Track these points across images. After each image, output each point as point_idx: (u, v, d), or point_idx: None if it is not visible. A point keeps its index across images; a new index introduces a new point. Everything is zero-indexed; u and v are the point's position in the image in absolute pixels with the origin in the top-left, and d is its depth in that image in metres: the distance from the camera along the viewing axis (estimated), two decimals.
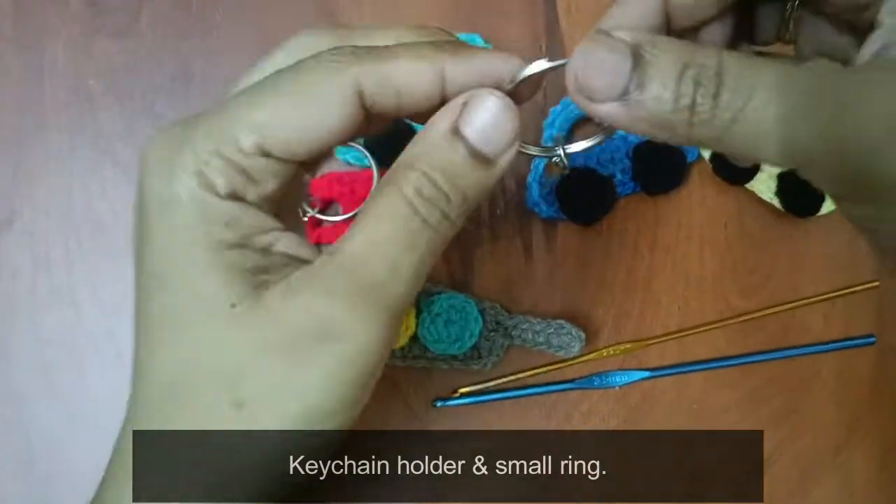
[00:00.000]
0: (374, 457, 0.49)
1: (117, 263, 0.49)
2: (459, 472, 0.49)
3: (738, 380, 0.51)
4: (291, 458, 0.26)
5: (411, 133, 0.35)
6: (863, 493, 0.51)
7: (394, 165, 0.26)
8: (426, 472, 0.49)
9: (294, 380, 0.25)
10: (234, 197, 0.26)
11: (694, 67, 0.23)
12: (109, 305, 0.49)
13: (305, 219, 0.48)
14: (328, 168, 0.50)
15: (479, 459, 0.49)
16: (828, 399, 0.51)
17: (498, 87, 0.27)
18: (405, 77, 0.26)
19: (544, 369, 0.50)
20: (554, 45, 0.52)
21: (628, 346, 0.50)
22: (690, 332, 0.51)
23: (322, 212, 0.49)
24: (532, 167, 0.50)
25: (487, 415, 0.49)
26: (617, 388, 0.50)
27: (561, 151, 0.30)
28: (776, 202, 0.50)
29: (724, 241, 0.52)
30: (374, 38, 0.28)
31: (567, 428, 0.50)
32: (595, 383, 0.50)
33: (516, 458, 0.49)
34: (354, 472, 0.49)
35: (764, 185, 0.50)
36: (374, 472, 0.49)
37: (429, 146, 0.26)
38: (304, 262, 0.27)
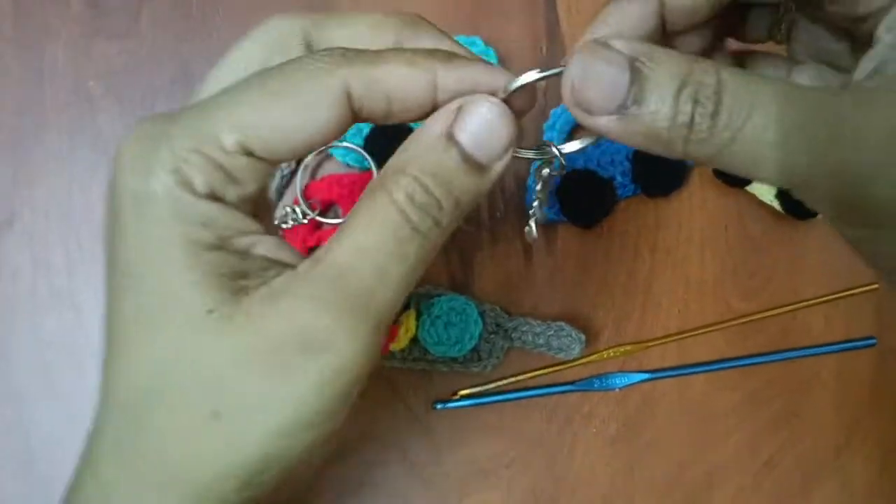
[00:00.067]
0: (374, 458, 0.49)
1: None
2: (459, 474, 0.49)
3: (738, 382, 0.51)
4: (269, 469, 0.24)
5: None
6: (863, 494, 0.51)
7: (383, 169, 0.26)
8: (426, 474, 0.49)
9: (276, 392, 0.24)
10: (213, 197, 0.25)
11: (692, 84, 0.23)
12: None
13: (305, 221, 0.48)
14: (328, 170, 0.50)
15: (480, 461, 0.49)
16: (828, 401, 0.52)
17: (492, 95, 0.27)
18: (396, 82, 0.26)
19: (544, 371, 0.50)
20: (554, 47, 0.52)
21: (628, 348, 0.50)
22: (691, 333, 0.51)
23: (322, 214, 0.48)
24: (532, 169, 0.50)
25: (488, 417, 0.49)
26: (617, 390, 0.50)
27: (556, 151, 0.29)
28: (776, 205, 0.50)
29: (724, 243, 0.52)
30: (348, 24, 0.28)
31: (567, 430, 0.50)
32: (595, 385, 0.50)
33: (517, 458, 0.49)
34: (355, 474, 0.49)
35: (764, 187, 0.50)
36: (374, 474, 0.49)
37: (421, 150, 0.26)
38: (286, 266, 0.26)
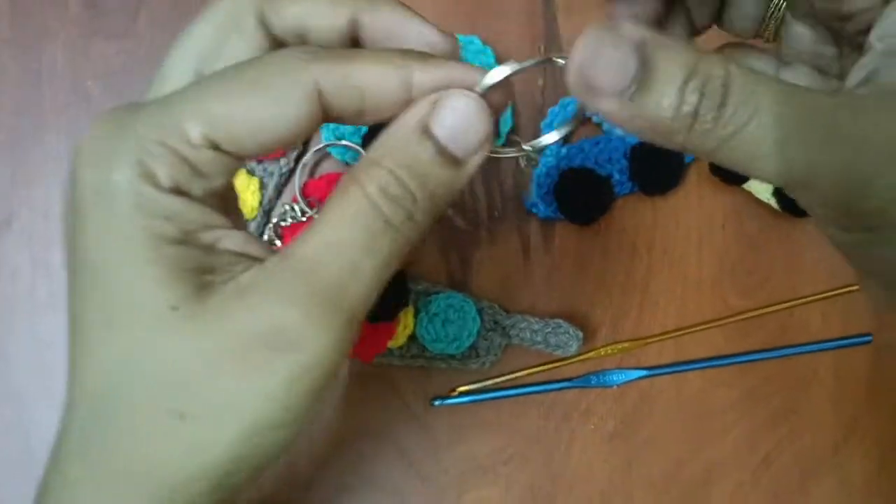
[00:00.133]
0: (372, 455, 0.49)
1: None
2: (457, 471, 0.49)
3: (736, 379, 0.51)
4: (239, 471, 0.24)
5: None
6: (862, 491, 0.51)
7: (357, 163, 0.25)
8: (424, 470, 0.49)
9: (243, 391, 0.23)
10: (178, 191, 0.24)
11: (700, 76, 0.23)
12: None
13: (304, 219, 0.48)
14: (326, 168, 0.50)
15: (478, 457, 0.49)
16: (826, 398, 0.52)
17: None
18: (369, 79, 0.25)
19: (542, 368, 0.50)
20: (553, 46, 0.52)
21: (626, 345, 0.50)
22: (688, 331, 0.51)
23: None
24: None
25: (486, 413, 0.49)
26: (615, 387, 0.50)
27: (529, 148, 0.29)
28: (773, 202, 0.51)
29: (721, 241, 0.52)
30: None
31: (565, 426, 0.50)
32: (593, 382, 0.50)
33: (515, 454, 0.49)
34: (352, 470, 0.49)
35: (761, 185, 0.51)
36: (372, 470, 0.49)
37: (395, 143, 0.25)
38: (255, 260, 0.25)
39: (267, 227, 0.49)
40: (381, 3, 0.28)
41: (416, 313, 0.48)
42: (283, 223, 0.48)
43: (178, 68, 0.27)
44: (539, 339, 0.48)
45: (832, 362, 0.52)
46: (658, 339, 0.51)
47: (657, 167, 0.50)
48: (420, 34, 0.27)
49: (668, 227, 0.52)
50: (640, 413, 0.50)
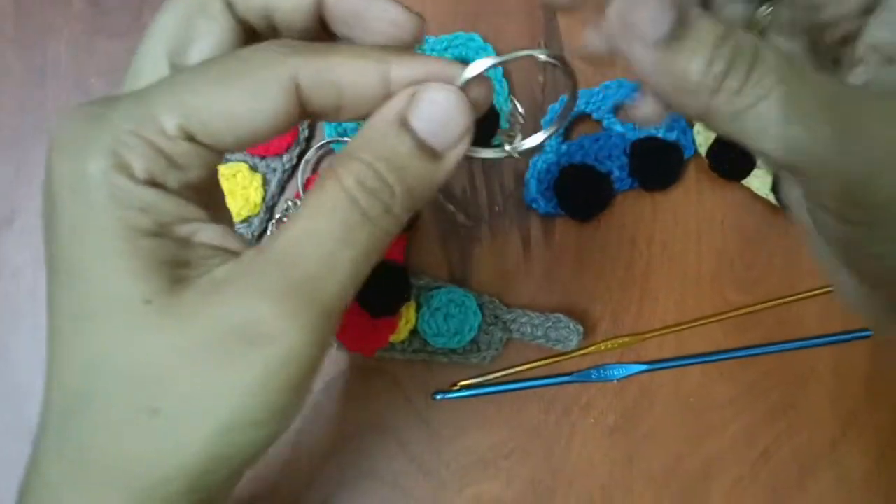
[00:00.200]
0: (373, 449, 0.49)
1: None
2: (459, 465, 0.49)
3: (735, 374, 0.51)
4: (217, 470, 0.23)
5: None
6: (860, 486, 0.51)
7: (336, 157, 0.25)
8: (426, 464, 0.49)
9: (216, 386, 0.22)
10: (153, 182, 0.24)
11: (732, 42, 0.23)
12: None
13: None
14: (328, 165, 0.51)
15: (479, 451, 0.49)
16: (824, 393, 0.52)
17: None
18: (348, 74, 0.25)
19: (543, 363, 0.50)
20: (552, 44, 0.53)
21: (626, 339, 0.50)
22: (688, 326, 0.51)
23: None
24: (530, 164, 0.51)
25: (487, 408, 0.50)
26: (615, 381, 0.50)
27: (509, 148, 0.29)
28: (772, 198, 0.51)
29: (720, 236, 0.52)
30: None
31: (565, 421, 0.50)
32: (593, 377, 0.50)
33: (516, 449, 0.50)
34: (354, 465, 0.49)
35: (760, 181, 0.51)
36: (373, 465, 0.49)
37: (374, 136, 0.25)
38: (232, 254, 0.25)
39: (270, 223, 0.49)
40: None
41: (418, 308, 0.48)
42: (285, 219, 0.48)
43: (151, 60, 0.26)
44: (539, 333, 0.49)
45: (831, 357, 0.52)
46: (658, 333, 0.51)
47: (657, 163, 0.50)
48: (385, 11, 0.27)
49: (667, 222, 0.52)
50: (640, 407, 0.51)
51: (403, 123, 0.25)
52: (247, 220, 0.49)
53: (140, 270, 0.23)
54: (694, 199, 0.52)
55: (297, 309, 0.23)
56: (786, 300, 0.52)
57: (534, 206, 0.51)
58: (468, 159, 0.27)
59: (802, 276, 0.52)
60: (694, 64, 0.23)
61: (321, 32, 0.27)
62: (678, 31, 0.23)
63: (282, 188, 0.50)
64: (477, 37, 0.51)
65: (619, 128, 0.51)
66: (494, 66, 0.26)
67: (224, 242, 0.25)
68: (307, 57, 0.24)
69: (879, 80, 0.26)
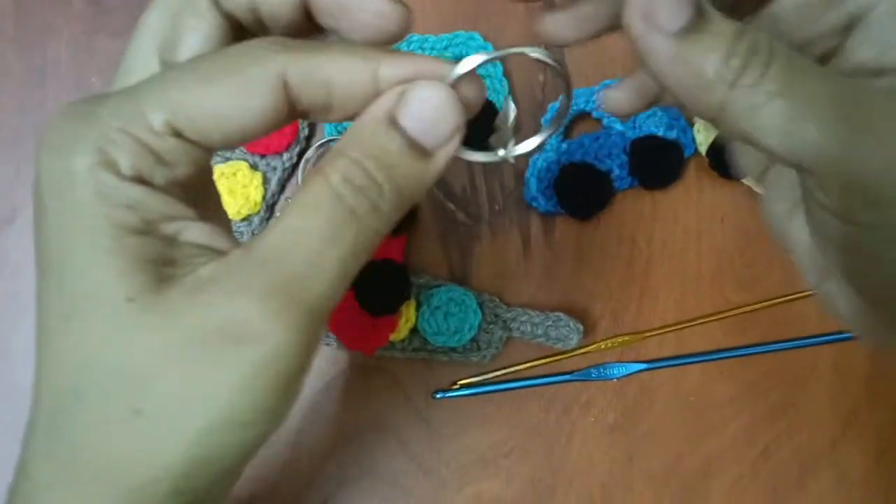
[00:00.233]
0: (374, 447, 0.49)
1: None
2: (459, 463, 0.49)
3: (735, 373, 0.51)
4: (203, 472, 0.23)
5: None
6: (860, 486, 0.51)
7: (324, 156, 0.24)
8: (426, 463, 0.49)
9: (200, 386, 0.22)
10: (140, 180, 0.23)
11: (750, 38, 0.23)
12: None
13: None
14: None
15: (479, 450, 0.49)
16: (825, 392, 0.52)
17: None
18: (337, 71, 0.24)
19: (543, 361, 0.50)
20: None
21: (626, 338, 0.50)
22: (688, 324, 0.51)
23: None
24: (530, 162, 0.51)
25: (487, 406, 0.50)
26: (615, 380, 0.50)
27: (503, 153, 0.28)
28: None
29: (720, 235, 0.52)
30: None
31: (566, 419, 0.50)
32: (593, 375, 0.50)
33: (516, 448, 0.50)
34: (354, 463, 0.49)
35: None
36: (374, 463, 0.49)
37: (362, 133, 0.24)
38: (218, 253, 0.24)
39: (270, 222, 0.49)
40: None
41: (418, 306, 0.48)
42: None
43: (142, 58, 0.26)
44: (539, 332, 0.49)
45: (831, 356, 0.52)
46: (657, 332, 0.51)
47: (657, 162, 0.50)
48: (369, 2, 0.26)
49: (667, 221, 0.52)
50: (640, 406, 0.51)
51: (393, 121, 0.24)
52: (247, 218, 0.49)
53: (125, 268, 0.22)
54: (694, 197, 0.52)
55: (282, 308, 0.22)
56: (786, 299, 0.52)
57: (534, 204, 0.51)
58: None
59: (802, 275, 0.52)
60: (712, 57, 0.23)
61: (308, 25, 0.27)
62: (697, 24, 0.23)
63: (282, 187, 0.50)
64: (477, 36, 0.51)
65: (619, 126, 0.51)
66: (485, 63, 0.25)
67: (211, 241, 0.25)
68: (296, 54, 0.24)
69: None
